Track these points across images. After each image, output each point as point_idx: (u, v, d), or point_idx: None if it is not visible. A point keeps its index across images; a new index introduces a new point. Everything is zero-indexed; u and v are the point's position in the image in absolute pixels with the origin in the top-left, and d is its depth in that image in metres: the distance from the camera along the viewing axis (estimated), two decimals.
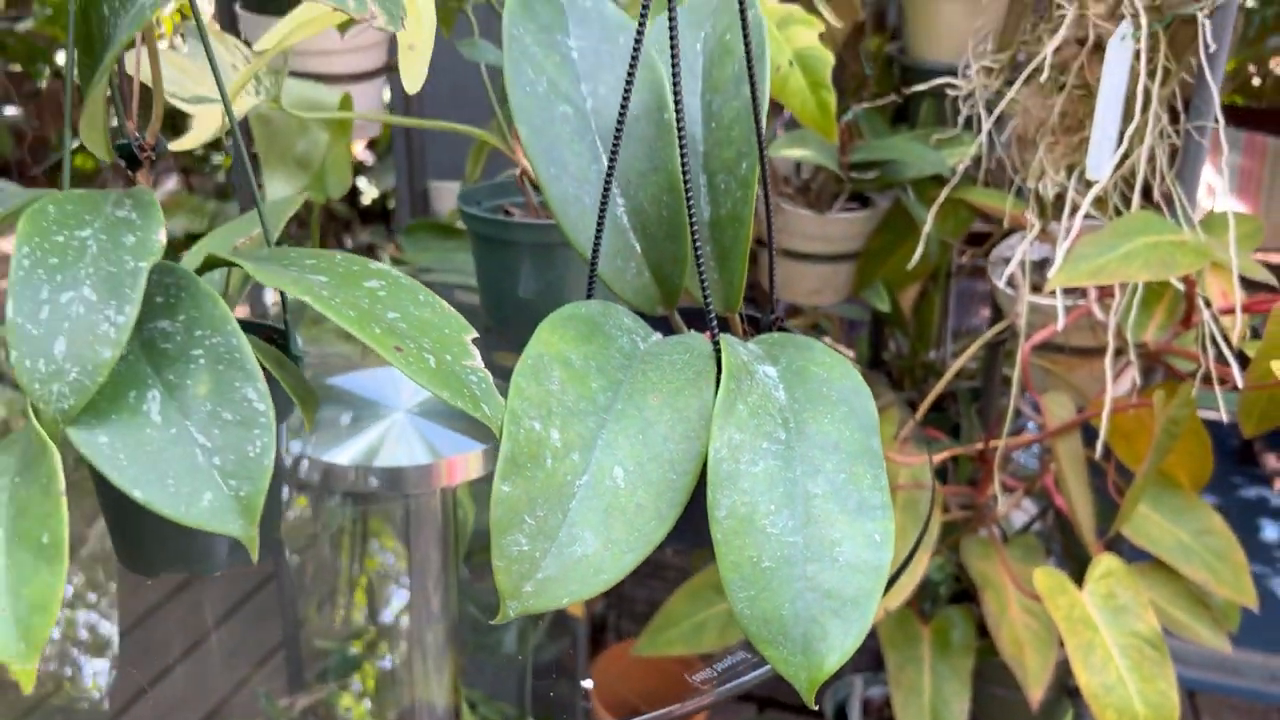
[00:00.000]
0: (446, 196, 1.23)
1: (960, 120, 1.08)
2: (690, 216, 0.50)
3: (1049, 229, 1.04)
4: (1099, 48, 0.97)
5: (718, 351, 0.49)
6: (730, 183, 0.54)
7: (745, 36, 0.52)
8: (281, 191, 1.03)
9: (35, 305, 0.39)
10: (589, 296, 0.56)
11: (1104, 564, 0.87)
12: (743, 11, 0.52)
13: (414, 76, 0.57)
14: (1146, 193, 0.98)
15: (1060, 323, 0.96)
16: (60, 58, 4.16)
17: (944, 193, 1.02)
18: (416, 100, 1.20)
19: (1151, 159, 0.96)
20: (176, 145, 0.74)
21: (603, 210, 0.53)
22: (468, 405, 0.42)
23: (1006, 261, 1.11)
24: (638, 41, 0.49)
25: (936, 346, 1.35)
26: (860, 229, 1.21)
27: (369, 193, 4.00)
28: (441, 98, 1.20)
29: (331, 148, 1.02)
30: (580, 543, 0.43)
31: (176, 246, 4.25)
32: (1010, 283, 1.05)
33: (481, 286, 0.84)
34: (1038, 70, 0.99)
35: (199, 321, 0.42)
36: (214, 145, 4.05)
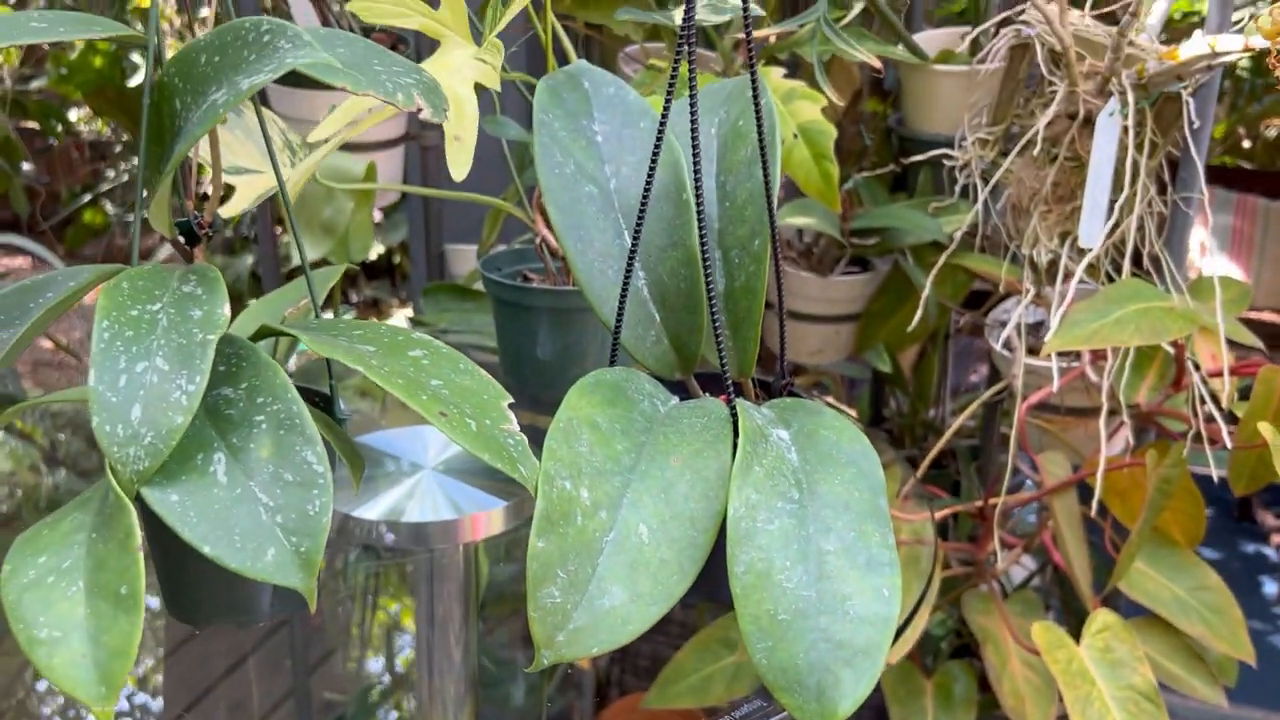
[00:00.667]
0: (462, 259, 1.27)
1: (957, 189, 1.12)
2: (709, 290, 0.54)
3: (1043, 293, 1.08)
4: (1089, 122, 1.02)
5: (734, 416, 0.53)
6: (744, 257, 0.58)
7: (759, 125, 0.56)
8: (308, 255, 1.07)
9: (114, 375, 0.42)
10: (612, 363, 0.59)
11: (1101, 619, 0.90)
12: (756, 101, 0.57)
13: (460, 165, 0.61)
14: (1136, 259, 1.02)
15: (1055, 384, 1.00)
16: (73, 114, 4.22)
17: (942, 259, 1.06)
18: (434, 167, 1.25)
19: (1140, 228, 1.00)
20: (224, 211, 0.78)
21: (626, 283, 0.56)
22: (506, 466, 0.46)
23: (1003, 324, 1.15)
24: (662, 125, 0.53)
25: (935, 405, 1.39)
26: (860, 291, 1.25)
27: (375, 249, 4.05)
28: None
29: (355, 214, 1.07)
30: (609, 595, 0.46)
31: None
32: (1007, 345, 1.09)
33: (501, 347, 0.87)
34: (1031, 143, 1.04)
35: (260, 389, 0.45)
36: (224, 201, 4.10)
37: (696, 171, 0.52)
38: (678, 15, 0.78)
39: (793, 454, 0.51)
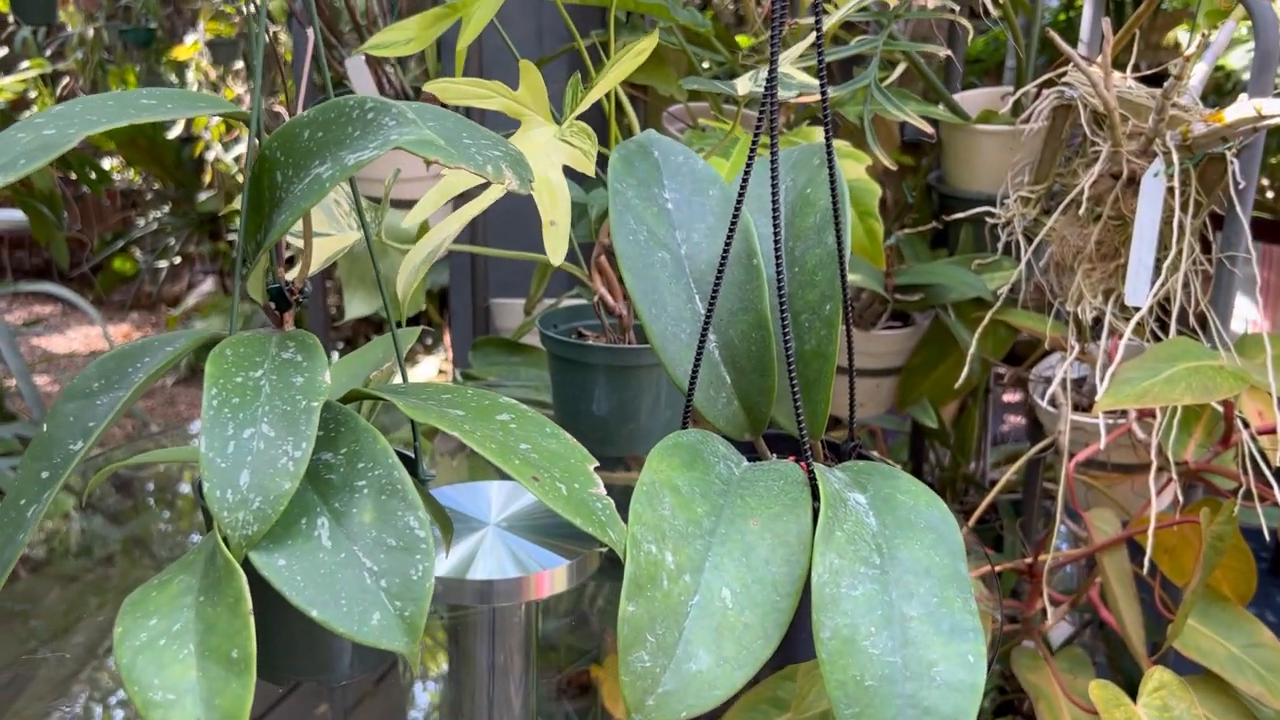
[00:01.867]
0: (507, 313, 1.29)
1: (1000, 246, 1.13)
2: (788, 352, 0.55)
3: (1088, 350, 1.08)
4: (1132, 182, 1.03)
5: (812, 479, 0.54)
6: (814, 321, 0.60)
7: (834, 193, 0.57)
8: (360, 311, 1.09)
9: (223, 441, 0.43)
10: (684, 426, 0.60)
11: (1157, 677, 0.90)
12: (832, 171, 0.58)
13: (557, 250, 0.63)
14: (1180, 316, 1.03)
15: (1103, 441, 1.00)
16: (106, 164, 4.29)
17: (989, 315, 1.07)
18: (482, 224, 1.27)
19: (1186, 285, 1.01)
20: (291, 275, 0.80)
21: (701, 348, 0.58)
22: (596, 530, 0.47)
23: (1047, 380, 1.16)
24: (741, 192, 0.55)
25: (976, 458, 1.39)
26: (902, 345, 1.26)
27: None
28: (499, 221, 1.27)
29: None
30: (695, 660, 0.47)
31: (210, 347, 4.29)
32: (1052, 401, 1.09)
33: (556, 402, 0.89)
34: (1075, 202, 1.05)
35: (360, 454, 0.46)
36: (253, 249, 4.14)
37: (777, 236, 0.53)
38: (740, 85, 0.80)
39: (871, 518, 0.52)
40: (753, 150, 0.54)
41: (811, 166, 0.63)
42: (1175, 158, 0.97)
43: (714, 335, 0.60)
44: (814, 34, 0.84)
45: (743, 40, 1.24)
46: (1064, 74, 1.07)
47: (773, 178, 0.53)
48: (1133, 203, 1.03)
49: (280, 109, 3.84)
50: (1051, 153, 1.10)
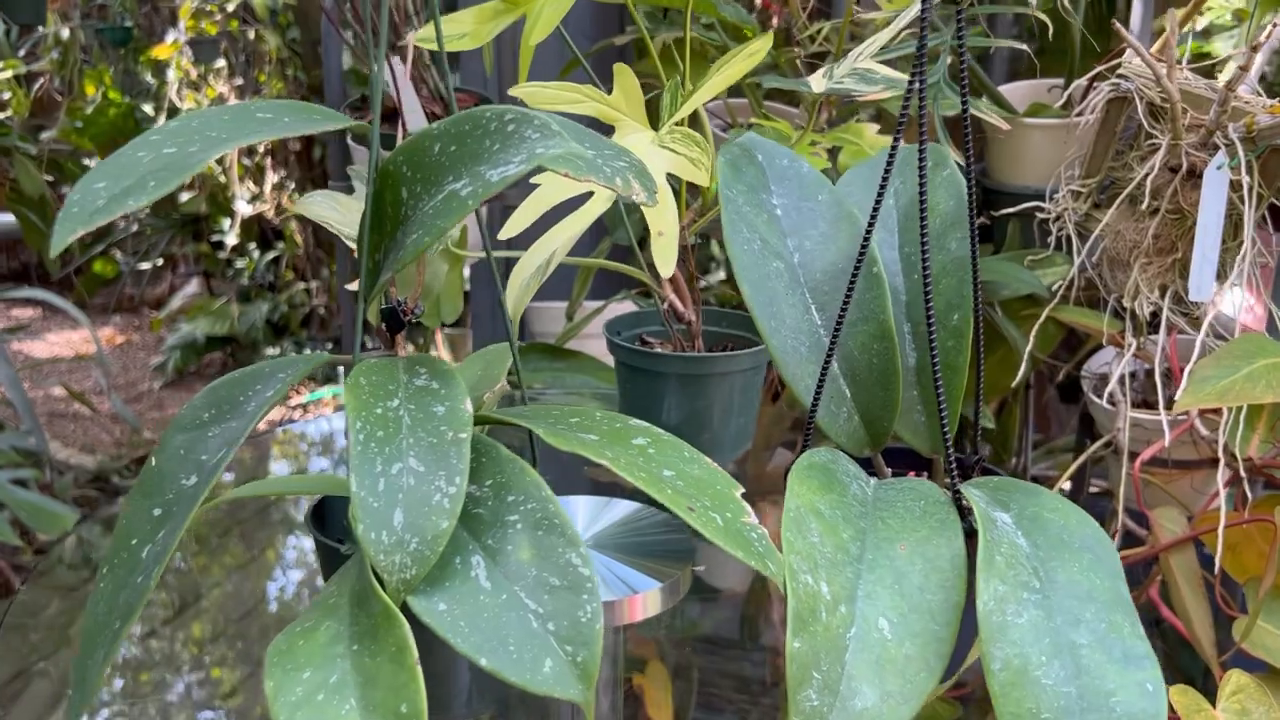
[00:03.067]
0: (543, 317, 1.26)
1: (1050, 241, 1.12)
2: (934, 364, 0.53)
3: (1145, 346, 1.07)
4: (1192, 174, 1.01)
5: (957, 499, 0.52)
6: (939, 332, 0.57)
7: (969, 197, 0.55)
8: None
9: (373, 478, 0.41)
10: (805, 444, 0.58)
11: (1234, 680, 0.88)
12: (968, 175, 0.56)
13: (667, 260, 0.60)
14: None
15: (1167, 439, 0.99)
16: (91, 162, 4.21)
17: (1045, 312, 1.05)
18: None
19: (1250, 280, 1.00)
20: (351, 285, 0.77)
21: (827, 363, 0.55)
22: (756, 562, 0.44)
23: (1100, 377, 1.14)
24: (882, 188, 0.52)
25: (1017, 455, 1.37)
26: None
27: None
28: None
29: (448, 275, 1.06)
30: (860, 696, 0.45)
31: (199, 351, 4.19)
32: (1109, 399, 1.08)
33: (625, 411, 0.86)
34: (1130, 196, 1.03)
35: (508, 486, 0.44)
36: (239, 249, 4.06)
37: (924, 243, 0.51)
38: (815, 83, 0.78)
39: (1021, 539, 0.50)
40: (893, 151, 0.52)
41: (885, 173, 0.61)
42: (1240, 149, 0.96)
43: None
44: (890, 29, 0.81)
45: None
46: (1117, 66, 1.06)
47: (921, 183, 0.51)
48: (1191, 196, 1.01)
49: None
50: (1104, 146, 1.08)
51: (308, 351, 3.94)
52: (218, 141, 0.43)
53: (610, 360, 1.12)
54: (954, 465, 0.52)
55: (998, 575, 0.47)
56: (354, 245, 0.79)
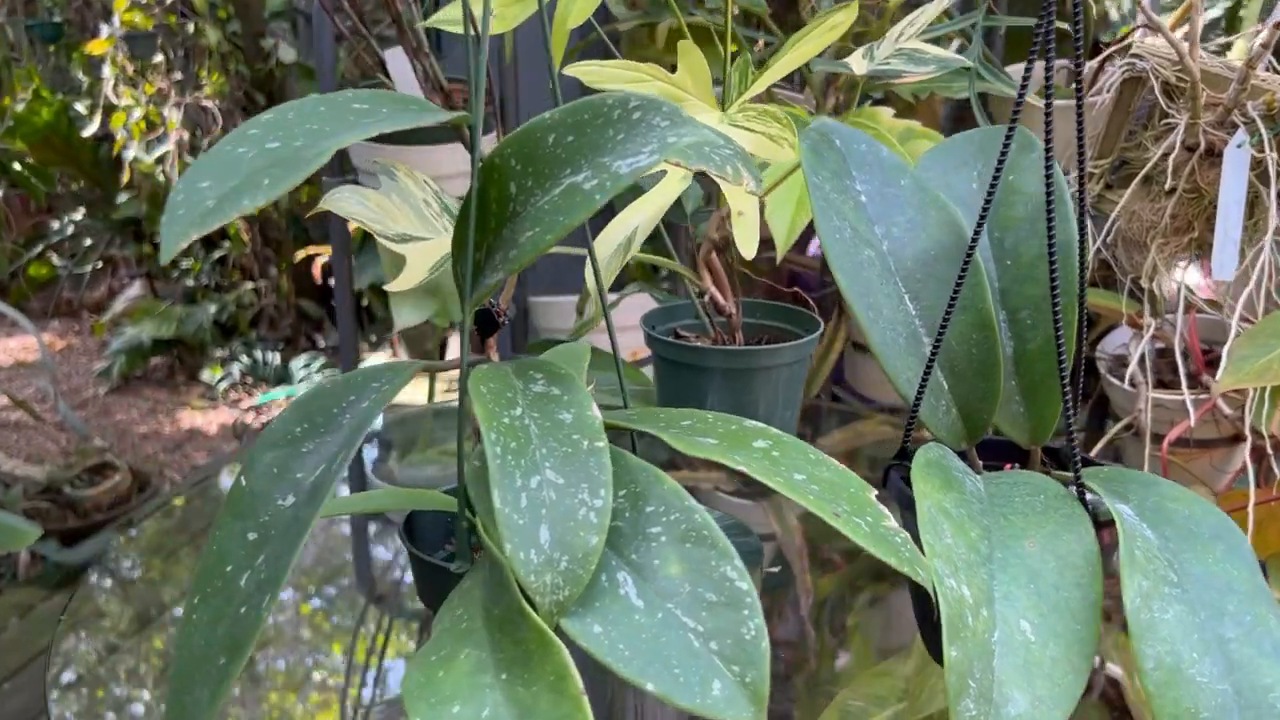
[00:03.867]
0: (549, 312, 1.23)
1: None
2: (1059, 355, 0.51)
3: (1163, 327, 1.07)
4: (1210, 153, 1.01)
5: (1080, 492, 0.50)
6: (1040, 318, 0.56)
7: (1081, 183, 0.53)
8: (410, 319, 1.02)
9: (515, 494, 0.38)
10: (906, 440, 0.56)
11: None
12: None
13: (748, 241, 0.57)
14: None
15: (1192, 419, 0.99)
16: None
17: None
18: None
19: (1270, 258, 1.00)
20: (392, 287, 0.73)
21: (932, 359, 0.53)
22: (905, 567, 0.42)
23: (1115, 357, 1.14)
24: (996, 175, 0.50)
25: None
26: None
27: None
28: None
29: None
30: (1012, 703, 0.43)
31: (145, 354, 4.09)
32: (1129, 380, 1.08)
33: (662, 402, 0.84)
34: (1148, 176, 1.03)
35: (644, 496, 0.41)
36: (184, 251, 3.93)
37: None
38: (855, 64, 0.76)
39: (1149, 532, 0.48)
40: (1009, 136, 0.50)
41: (1009, 151, 0.59)
42: (1261, 127, 0.96)
43: (929, 339, 0.56)
44: (936, 5, 0.79)
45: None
46: (1128, 46, 1.05)
47: (1047, 171, 0.49)
48: (1209, 175, 1.01)
49: (208, 103, 3.68)
50: (1117, 126, 1.08)
51: (259, 352, 3.85)
52: (321, 135, 0.39)
53: (627, 355, 1.09)
54: (1078, 459, 0.51)
55: (1139, 570, 0.45)
56: (386, 242, 0.75)
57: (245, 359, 3.81)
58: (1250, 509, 0.94)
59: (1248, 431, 0.97)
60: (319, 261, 3.41)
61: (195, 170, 0.38)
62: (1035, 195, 0.57)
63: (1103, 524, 0.50)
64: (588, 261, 0.60)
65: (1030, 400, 0.56)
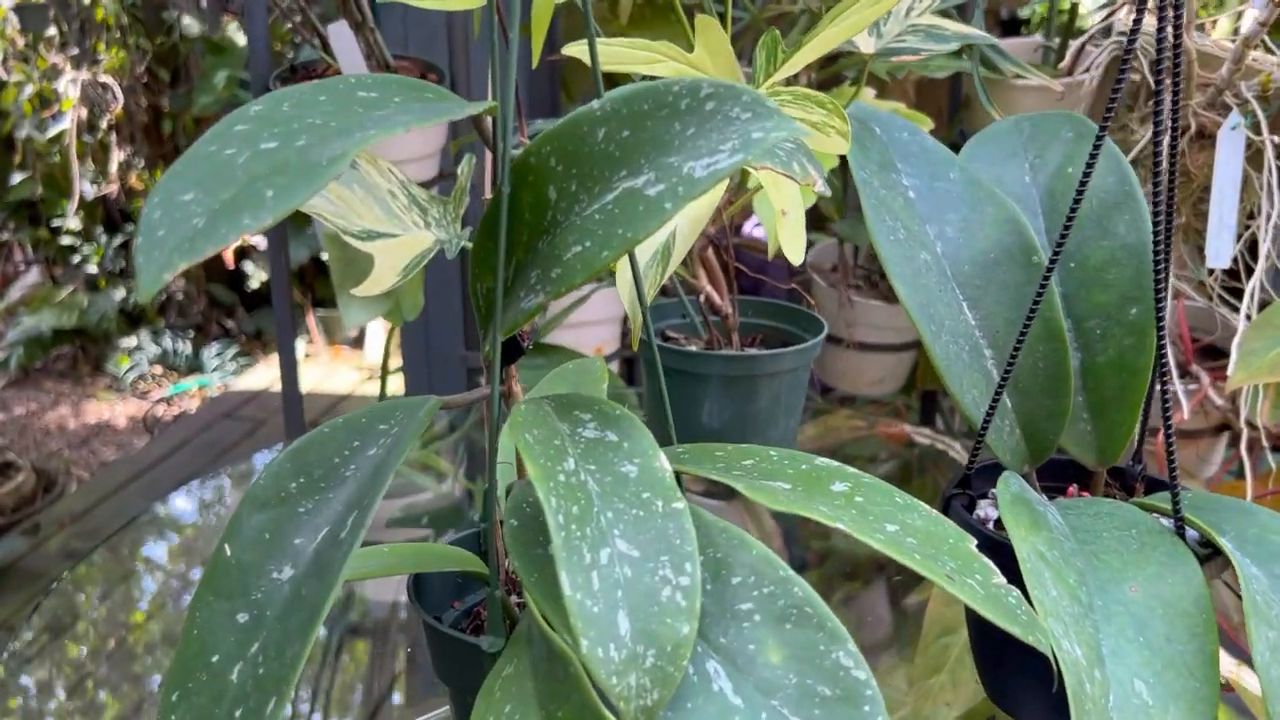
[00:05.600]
0: None
1: None
2: (1162, 359, 0.45)
3: None
4: (1201, 135, 0.97)
5: (1179, 526, 0.45)
6: (1110, 327, 0.50)
7: (1160, 176, 0.47)
8: (359, 318, 0.94)
9: (584, 573, 0.31)
10: (971, 466, 0.50)
11: None
12: (1171, 147, 0.48)
13: (795, 245, 0.51)
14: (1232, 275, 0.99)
15: (1186, 411, 0.96)
16: None
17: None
18: (478, 210, 1.12)
19: (1273, 241, 0.97)
20: (361, 291, 0.65)
21: (1004, 381, 0.47)
22: (1021, 630, 0.36)
23: None
24: (1083, 184, 0.44)
25: None
26: None
27: (256, 276, 3.80)
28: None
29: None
30: None
31: (46, 345, 3.90)
32: None
33: (656, 415, 0.77)
34: (1133, 160, 0.99)
35: (728, 564, 0.34)
36: (83, 234, 3.76)
37: (1168, 236, 0.43)
38: (862, 42, 0.69)
39: (1254, 569, 0.43)
40: (1103, 130, 0.44)
41: (1064, 140, 0.53)
42: (1257, 108, 0.92)
43: (989, 351, 0.50)
44: None
45: None
46: (1109, 25, 1.01)
47: (1156, 169, 0.43)
48: (1199, 158, 0.97)
49: (107, 79, 3.49)
50: (1100, 106, 1.04)
51: (169, 341, 3.68)
52: (329, 133, 0.32)
53: (592, 351, 1.02)
54: (1177, 490, 0.45)
55: (1263, 619, 0.40)
56: (351, 239, 0.67)
57: (154, 348, 3.64)
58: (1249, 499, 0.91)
59: (1243, 424, 0.94)
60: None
61: (173, 179, 0.30)
62: (1099, 190, 0.51)
63: (1202, 559, 0.44)
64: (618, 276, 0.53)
65: (1099, 418, 0.50)
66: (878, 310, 1.16)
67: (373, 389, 3.20)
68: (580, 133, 0.36)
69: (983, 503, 0.52)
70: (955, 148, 1.17)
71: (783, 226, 0.51)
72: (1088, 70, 1.00)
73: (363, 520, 0.34)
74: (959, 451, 1.05)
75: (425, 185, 1.08)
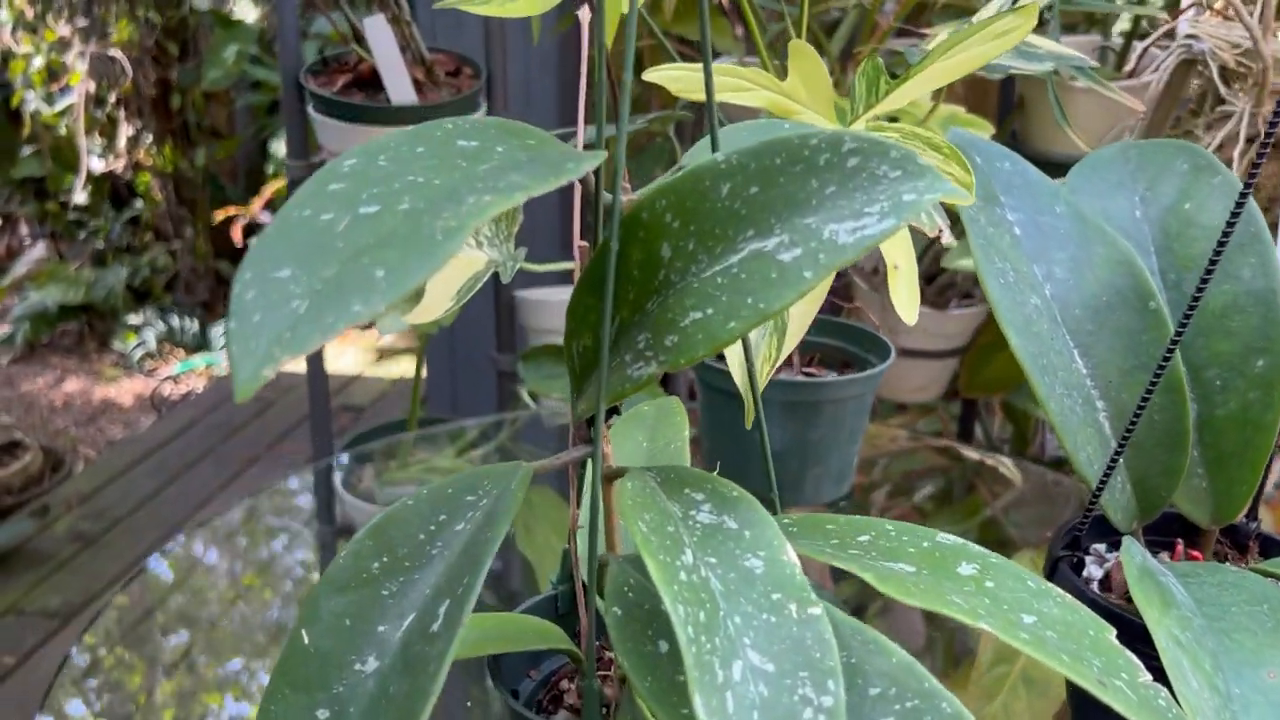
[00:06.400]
0: (539, 311, 1.11)
1: None
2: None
3: None
4: (1278, 146, 0.94)
5: None
6: (1232, 379, 0.47)
7: None
8: (394, 326, 0.90)
9: (718, 694, 0.27)
10: (1083, 527, 0.47)
11: None
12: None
13: (909, 304, 0.47)
14: None
15: None
16: None
17: None
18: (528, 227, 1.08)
19: None
20: (413, 318, 0.61)
21: (1122, 446, 0.44)
22: None
23: None
24: (1233, 219, 0.41)
25: (1034, 437, 1.30)
26: (971, 325, 1.16)
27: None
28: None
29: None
30: None
31: (52, 321, 3.89)
32: None
33: (709, 442, 0.74)
34: None
35: (863, 672, 0.31)
36: (90, 210, 3.72)
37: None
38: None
39: None
40: (1248, 187, 0.40)
41: (1178, 173, 0.50)
42: None
43: (1101, 402, 0.47)
44: None
45: None
46: (1171, 28, 0.97)
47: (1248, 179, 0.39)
48: (1270, 167, 0.94)
49: (115, 52, 3.44)
50: (1165, 112, 1.00)
51: (176, 318, 3.64)
52: (435, 195, 0.28)
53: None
54: None
55: None
56: None
57: (161, 325, 3.61)
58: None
59: None
60: (239, 223, 3.23)
61: (265, 248, 0.26)
62: (1220, 227, 0.47)
63: None
64: None
65: (1217, 474, 0.47)
66: (923, 316, 1.12)
67: (383, 370, 3.16)
68: (701, 187, 0.32)
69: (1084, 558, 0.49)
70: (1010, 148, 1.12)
71: (896, 280, 0.47)
72: (1155, 71, 0.96)
73: (458, 614, 0.31)
74: (1008, 467, 1.02)
75: None
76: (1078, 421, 0.45)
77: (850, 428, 0.71)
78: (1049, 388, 0.45)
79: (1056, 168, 1.04)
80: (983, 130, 0.90)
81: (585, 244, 0.38)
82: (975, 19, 0.74)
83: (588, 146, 0.44)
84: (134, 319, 3.60)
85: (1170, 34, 0.97)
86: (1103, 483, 0.44)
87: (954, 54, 0.47)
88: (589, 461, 0.37)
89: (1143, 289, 0.47)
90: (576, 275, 0.38)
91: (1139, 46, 1.00)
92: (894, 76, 0.53)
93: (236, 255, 3.68)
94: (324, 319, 0.24)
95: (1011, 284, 0.46)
